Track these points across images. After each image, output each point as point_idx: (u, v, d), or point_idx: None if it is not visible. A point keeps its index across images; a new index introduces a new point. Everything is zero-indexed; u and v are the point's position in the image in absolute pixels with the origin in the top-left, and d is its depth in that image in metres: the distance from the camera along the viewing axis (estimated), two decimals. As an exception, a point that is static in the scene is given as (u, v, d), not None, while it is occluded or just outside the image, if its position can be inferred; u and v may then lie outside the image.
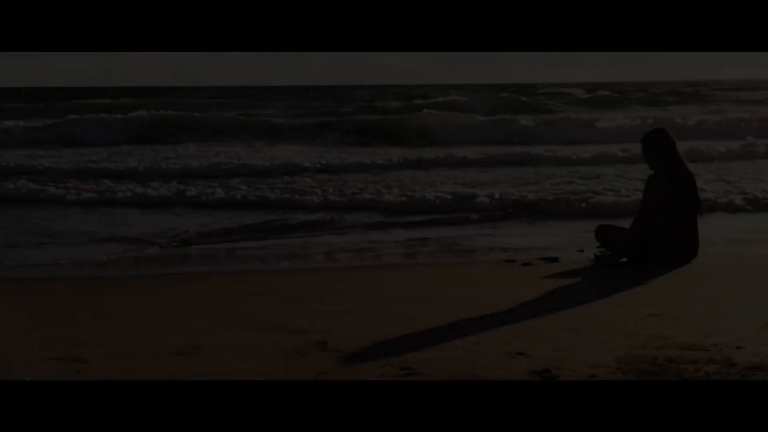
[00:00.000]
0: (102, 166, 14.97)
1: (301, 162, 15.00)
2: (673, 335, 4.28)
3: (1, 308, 5.46)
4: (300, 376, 3.79)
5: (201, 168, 14.11)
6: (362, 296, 5.70)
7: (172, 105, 34.78)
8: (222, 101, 41.42)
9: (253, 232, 8.81)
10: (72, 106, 35.13)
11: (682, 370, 3.73)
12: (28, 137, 21.66)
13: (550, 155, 16.03)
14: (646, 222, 6.42)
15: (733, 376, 3.65)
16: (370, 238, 8.51)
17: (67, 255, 7.63)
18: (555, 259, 6.85)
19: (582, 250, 7.26)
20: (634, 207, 7.28)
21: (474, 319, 4.83)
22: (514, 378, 3.70)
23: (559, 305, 5.14)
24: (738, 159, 15.37)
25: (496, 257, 7.32)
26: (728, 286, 5.66)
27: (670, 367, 3.77)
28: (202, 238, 8.52)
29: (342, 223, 9.31)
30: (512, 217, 9.54)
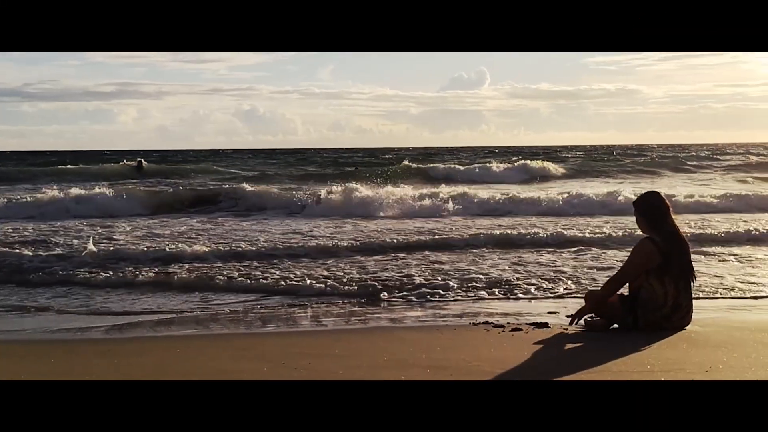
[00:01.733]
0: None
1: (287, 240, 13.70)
2: (673, 404, 4.17)
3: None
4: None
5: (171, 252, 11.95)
6: (351, 360, 5.56)
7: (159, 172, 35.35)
8: (203, 166, 41.58)
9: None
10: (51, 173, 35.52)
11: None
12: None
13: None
14: (620, 282, 6.48)
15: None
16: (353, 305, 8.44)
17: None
18: (545, 325, 6.76)
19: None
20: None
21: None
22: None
23: (553, 373, 5.04)
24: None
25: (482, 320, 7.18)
26: (723, 353, 5.57)
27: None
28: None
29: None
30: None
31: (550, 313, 7.51)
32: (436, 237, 13.78)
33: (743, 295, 8.53)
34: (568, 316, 7.18)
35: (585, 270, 10.28)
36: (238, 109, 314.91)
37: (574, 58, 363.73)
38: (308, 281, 9.50)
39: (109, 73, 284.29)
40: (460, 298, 8.70)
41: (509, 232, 14.09)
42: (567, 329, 6.63)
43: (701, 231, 14.12)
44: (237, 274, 10.17)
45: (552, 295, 8.74)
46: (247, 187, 23.16)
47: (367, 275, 9.96)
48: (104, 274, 10.20)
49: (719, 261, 11.01)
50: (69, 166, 40.16)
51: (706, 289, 8.74)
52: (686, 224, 14.19)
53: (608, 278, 6.72)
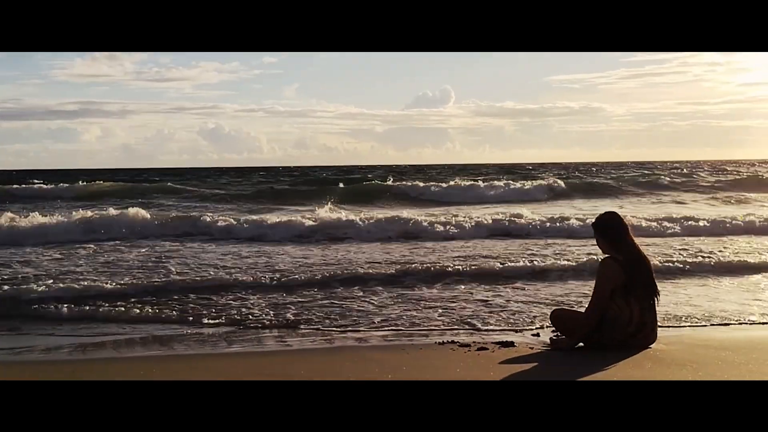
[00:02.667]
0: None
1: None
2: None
3: None
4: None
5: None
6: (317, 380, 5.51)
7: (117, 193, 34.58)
8: (167, 186, 40.55)
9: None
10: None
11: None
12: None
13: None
14: (600, 308, 6.37)
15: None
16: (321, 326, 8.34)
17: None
18: (511, 344, 6.75)
19: (537, 334, 7.21)
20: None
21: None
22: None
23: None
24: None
25: (448, 339, 7.17)
26: (688, 372, 5.60)
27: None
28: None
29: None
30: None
31: (515, 332, 7.52)
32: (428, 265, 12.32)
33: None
34: (534, 335, 7.20)
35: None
36: (203, 128, 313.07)
37: (538, 76, 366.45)
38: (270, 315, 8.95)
39: (72, 91, 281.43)
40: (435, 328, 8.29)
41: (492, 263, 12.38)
42: (533, 348, 6.63)
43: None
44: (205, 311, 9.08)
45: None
46: (210, 215, 21.20)
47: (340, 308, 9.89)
48: (64, 307, 9.21)
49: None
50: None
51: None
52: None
53: (586, 308, 6.63)
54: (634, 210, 25.04)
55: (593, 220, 6.80)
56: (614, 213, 6.81)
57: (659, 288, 6.56)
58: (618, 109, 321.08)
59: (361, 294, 10.03)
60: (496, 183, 37.18)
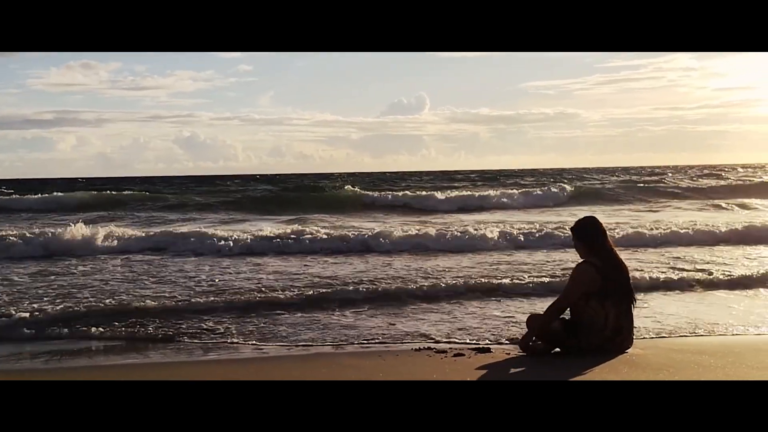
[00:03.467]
0: None
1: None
2: None
3: None
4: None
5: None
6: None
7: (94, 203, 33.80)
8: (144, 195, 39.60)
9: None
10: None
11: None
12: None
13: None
14: (562, 308, 6.46)
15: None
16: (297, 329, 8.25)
17: None
18: (488, 350, 6.74)
19: (515, 341, 7.18)
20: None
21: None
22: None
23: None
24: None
25: (424, 346, 7.13)
26: (664, 377, 5.60)
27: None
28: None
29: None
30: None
31: (492, 335, 7.50)
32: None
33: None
34: (509, 340, 7.19)
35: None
36: (179, 136, 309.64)
37: (513, 83, 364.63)
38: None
39: (48, 101, 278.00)
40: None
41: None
42: (510, 354, 6.61)
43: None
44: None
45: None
46: (188, 226, 20.57)
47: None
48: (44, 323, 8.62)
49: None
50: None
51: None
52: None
53: (550, 304, 6.64)
54: (631, 215, 25.04)
55: (572, 225, 6.81)
56: (593, 218, 6.80)
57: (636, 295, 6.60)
58: (594, 115, 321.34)
59: (337, 307, 9.54)
60: (490, 191, 36.53)
